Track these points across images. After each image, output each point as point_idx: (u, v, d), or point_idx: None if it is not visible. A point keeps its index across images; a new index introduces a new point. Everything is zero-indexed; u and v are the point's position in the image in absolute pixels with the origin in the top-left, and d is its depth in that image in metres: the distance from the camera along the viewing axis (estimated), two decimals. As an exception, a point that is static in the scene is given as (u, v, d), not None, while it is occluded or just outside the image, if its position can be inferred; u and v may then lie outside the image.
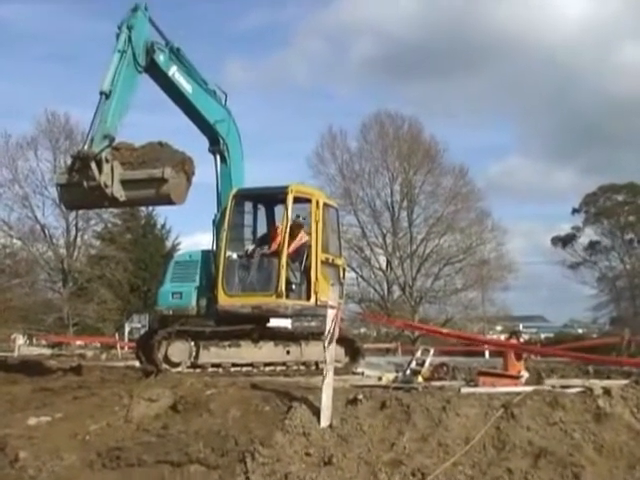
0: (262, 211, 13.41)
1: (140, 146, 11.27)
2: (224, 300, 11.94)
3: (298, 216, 12.50)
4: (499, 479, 6.81)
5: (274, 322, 12.87)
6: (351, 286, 45.32)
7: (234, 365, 11.83)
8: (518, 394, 7.95)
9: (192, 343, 11.80)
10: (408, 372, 10.45)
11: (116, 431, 8.42)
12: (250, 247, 12.52)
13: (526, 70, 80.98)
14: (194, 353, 11.78)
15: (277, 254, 11.97)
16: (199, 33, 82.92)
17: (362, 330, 42.12)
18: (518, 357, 10.82)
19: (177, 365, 11.64)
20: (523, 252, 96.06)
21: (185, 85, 11.87)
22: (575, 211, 56.61)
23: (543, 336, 42.31)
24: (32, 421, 8.81)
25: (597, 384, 8.59)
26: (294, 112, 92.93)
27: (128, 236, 47.48)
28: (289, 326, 15.04)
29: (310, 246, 12.28)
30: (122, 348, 27.90)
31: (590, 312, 55.06)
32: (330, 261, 12.65)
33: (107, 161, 10.31)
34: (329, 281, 12.10)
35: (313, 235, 12.32)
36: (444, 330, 21.87)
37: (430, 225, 47.64)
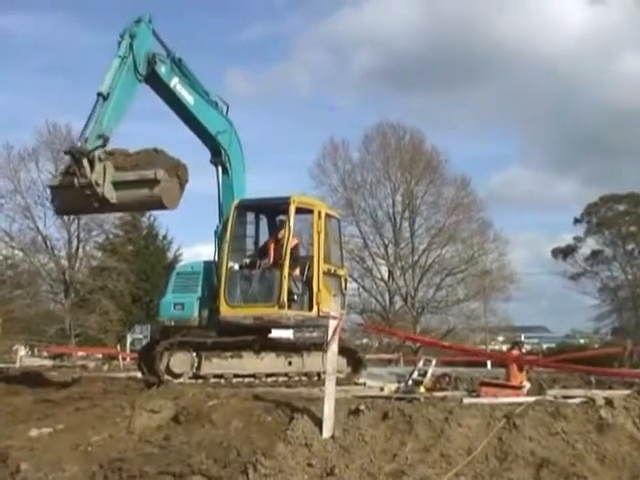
0: (264, 222, 13.43)
1: (135, 152, 11.17)
2: (226, 311, 11.93)
3: (282, 221, 12.63)
4: (501, 490, 6.80)
5: (276, 333, 12.87)
6: (353, 297, 45.40)
7: (236, 376, 11.83)
8: (520, 404, 7.93)
9: (194, 354, 11.80)
10: (410, 382, 10.44)
11: (118, 442, 8.42)
12: (252, 258, 12.54)
13: (527, 81, 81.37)
14: (196, 364, 11.78)
15: (279, 265, 11.99)
16: (201, 45, 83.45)
17: (364, 341, 42.03)
18: (520, 368, 10.81)
19: (179, 376, 11.64)
20: (525, 262, 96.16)
21: (187, 96, 11.86)
22: (577, 221, 56.68)
23: (545, 346, 42.27)
24: (34, 432, 8.80)
25: (599, 394, 8.57)
26: (296, 123, 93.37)
27: (130, 247, 47.55)
28: (291, 337, 15.04)
29: (312, 256, 12.32)
30: (124, 359, 27.89)
31: (592, 322, 55.07)
32: (332, 272, 12.66)
33: (100, 160, 10.24)
34: (331, 292, 12.11)
35: (315, 246, 12.34)
36: (445, 343, 21.87)
37: (432, 235, 47.71)
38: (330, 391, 8.00)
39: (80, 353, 35.58)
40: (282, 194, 12.86)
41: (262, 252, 12.70)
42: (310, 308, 12.12)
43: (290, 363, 12.18)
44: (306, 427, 7.90)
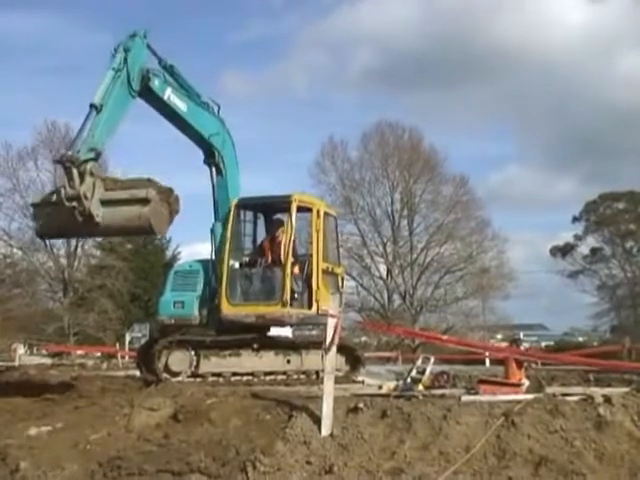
0: (264, 220, 13.43)
1: (126, 179, 10.94)
2: (228, 309, 11.96)
3: (278, 219, 12.74)
4: (500, 487, 6.81)
5: (274, 331, 12.88)
6: (351, 295, 45.40)
7: (235, 374, 11.84)
8: (519, 402, 7.95)
9: (192, 352, 11.82)
10: (409, 380, 10.43)
11: (117, 441, 8.43)
12: (251, 256, 12.56)
13: (526, 80, 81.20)
14: (195, 362, 11.79)
15: (278, 263, 12.03)
16: (199, 45, 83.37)
17: (363, 339, 42.05)
18: (519, 365, 10.81)
19: (178, 374, 11.65)
20: (523, 261, 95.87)
21: (180, 105, 11.68)
22: (575, 219, 56.67)
23: (544, 344, 42.24)
24: (33, 431, 8.82)
25: (598, 392, 8.59)
26: (294, 123, 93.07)
27: (128, 246, 47.42)
28: (290, 335, 15.05)
29: (311, 255, 12.34)
30: (123, 357, 27.86)
31: (590, 320, 55.03)
32: (329, 270, 12.68)
33: (92, 175, 9.82)
34: (329, 290, 12.12)
35: (314, 244, 12.38)
36: (444, 337, 21.85)
37: (430, 234, 47.69)
38: (329, 389, 8.01)
39: (79, 352, 35.56)
40: (280, 193, 12.92)
41: (259, 250, 12.72)
42: (310, 306, 12.15)
43: (289, 361, 12.20)
44: (305, 425, 7.91)
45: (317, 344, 11.43)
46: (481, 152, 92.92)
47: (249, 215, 13.14)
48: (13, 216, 42.60)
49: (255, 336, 12.00)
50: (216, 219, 12.65)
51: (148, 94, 11.27)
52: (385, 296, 48.08)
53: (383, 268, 48.51)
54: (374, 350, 37.45)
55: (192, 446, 7.99)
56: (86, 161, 9.86)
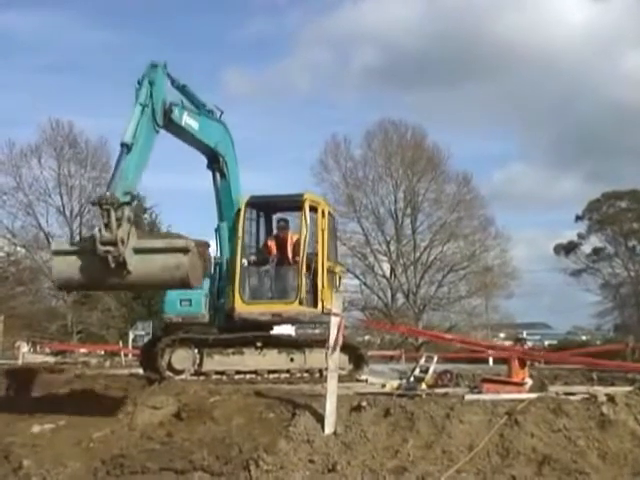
0: (273, 219, 13.46)
1: (156, 233, 10.50)
2: (241, 307, 11.96)
3: (282, 219, 12.91)
4: (503, 486, 6.81)
5: (277, 329, 12.90)
6: (355, 293, 45.40)
7: (238, 373, 11.85)
8: (522, 401, 7.95)
9: (196, 350, 11.83)
10: (412, 379, 10.45)
11: (120, 439, 8.44)
12: (258, 255, 12.58)
13: (529, 78, 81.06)
14: (198, 361, 11.81)
15: (294, 262, 12.14)
16: (200, 42, 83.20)
17: (366, 337, 42.00)
18: (522, 364, 10.81)
19: (181, 373, 11.66)
20: (526, 259, 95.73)
21: (193, 124, 11.41)
22: (578, 218, 56.54)
23: (547, 343, 42.22)
24: (36, 429, 8.84)
25: (601, 391, 8.59)
26: (296, 121, 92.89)
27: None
28: (293, 333, 15.06)
29: (317, 254, 12.37)
30: (126, 355, 27.87)
31: (594, 319, 54.96)
32: (330, 269, 12.71)
33: (129, 220, 9.01)
34: (332, 289, 12.14)
35: (319, 244, 12.42)
36: (447, 335, 21.83)
37: (434, 232, 47.60)
38: (332, 388, 8.02)
39: (82, 350, 35.51)
40: (281, 192, 12.98)
41: (267, 249, 12.73)
42: (315, 305, 12.18)
43: (292, 360, 12.19)
44: (308, 423, 7.92)
45: (320, 342, 11.43)
46: (484, 151, 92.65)
47: (260, 214, 13.16)
48: (16, 214, 42.79)
49: (258, 334, 12.01)
50: (220, 219, 12.63)
51: (169, 125, 10.86)
52: (388, 295, 48.02)
53: (386, 267, 48.46)
54: (377, 349, 37.36)
55: (195, 444, 8.00)
56: (122, 205, 9.13)
